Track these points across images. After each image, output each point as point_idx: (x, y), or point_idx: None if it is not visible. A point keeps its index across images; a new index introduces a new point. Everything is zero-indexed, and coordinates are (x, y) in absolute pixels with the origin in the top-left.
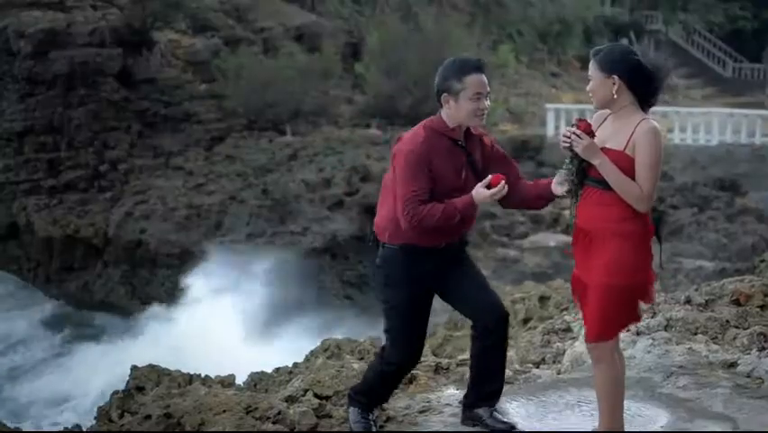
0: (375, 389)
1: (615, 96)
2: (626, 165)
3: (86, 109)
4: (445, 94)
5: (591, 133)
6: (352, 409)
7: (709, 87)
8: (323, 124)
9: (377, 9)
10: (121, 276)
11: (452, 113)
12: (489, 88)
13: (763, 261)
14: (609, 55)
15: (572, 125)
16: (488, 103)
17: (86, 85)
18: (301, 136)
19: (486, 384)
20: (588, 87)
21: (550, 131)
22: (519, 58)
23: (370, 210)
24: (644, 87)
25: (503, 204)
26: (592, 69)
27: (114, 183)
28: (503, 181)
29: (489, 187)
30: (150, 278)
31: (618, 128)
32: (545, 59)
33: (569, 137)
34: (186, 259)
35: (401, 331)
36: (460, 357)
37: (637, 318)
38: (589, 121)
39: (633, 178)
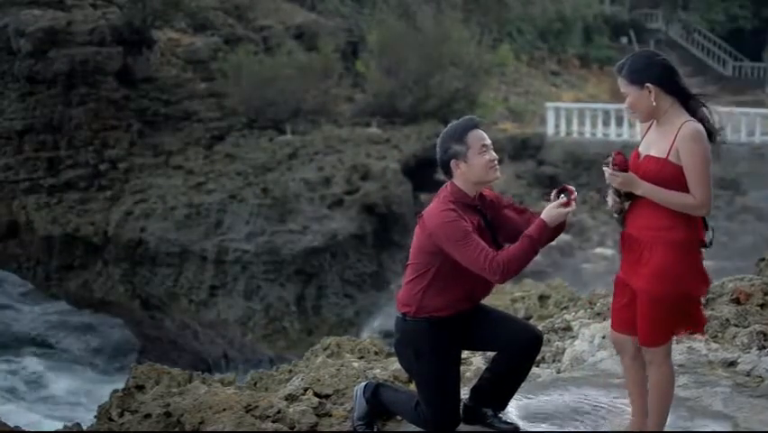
0: (397, 414)
1: (654, 105)
2: (671, 172)
3: (86, 108)
4: (453, 161)
5: (626, 167)
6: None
7: (709, 85)
8: (323, 123)
9: (376, 8)
10: (121, 275)
11: (467, 175)
12: (490, 141)
13: (762, 259)
14: (635, 65)
15: (608, 159)
16: (494, 154)
17: (86, 83)
18: (301, 135)
19: (502, 395)
20: (626, 105)
21: (550, 129)
22: (519, 56)
23: (369, 209)
24: (677, 84)
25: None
26: (623, 85)
27: (114, 182)
28: (574, 195)
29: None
30: (150, 277)
31: (661, 134)
32: (545, 57)
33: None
34: (186, 258)
35: (437, 395)
36: None
37: (696, 323)
38: (623, 154)
39: (680, 183)
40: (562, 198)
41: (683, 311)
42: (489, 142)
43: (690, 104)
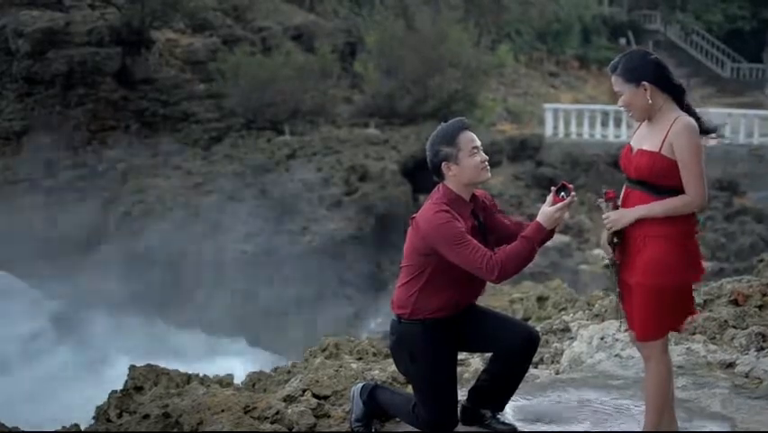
0: (394, 415)
1: (650, 102)
2: (663, 166)
3: (85, 109)
4: (444, 163)
5: (615, 200)
6: (358, 404)
7: (708, 86)
8: (321, 124)
9: (375, 9)
10: (120, 275)
11: (458, 177)
12: (479, 142)
13: (761, 260)
14: (630, 64)
15: (600, 200)
16: (484, 155)
17: (84, 84)
18: (299, 136)
19: (500, 396)
20: (620, 103)
21: (548, 130)
22: (518, 57)
23: (368, 209)
24: (671, 82)
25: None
26: (618, 83)
27: (113, 183)
28: (573, 194)
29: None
30: (149, 277)
31: (654, 129)
32: (544, 58)
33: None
34: (184, 259)
35: (434, 397)
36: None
37: (689, 314)
38: (614, 190)
39: (672, 177)
40: (560, 196)
41: (678, 302)
42: (479, 143)
43: (682, 100)
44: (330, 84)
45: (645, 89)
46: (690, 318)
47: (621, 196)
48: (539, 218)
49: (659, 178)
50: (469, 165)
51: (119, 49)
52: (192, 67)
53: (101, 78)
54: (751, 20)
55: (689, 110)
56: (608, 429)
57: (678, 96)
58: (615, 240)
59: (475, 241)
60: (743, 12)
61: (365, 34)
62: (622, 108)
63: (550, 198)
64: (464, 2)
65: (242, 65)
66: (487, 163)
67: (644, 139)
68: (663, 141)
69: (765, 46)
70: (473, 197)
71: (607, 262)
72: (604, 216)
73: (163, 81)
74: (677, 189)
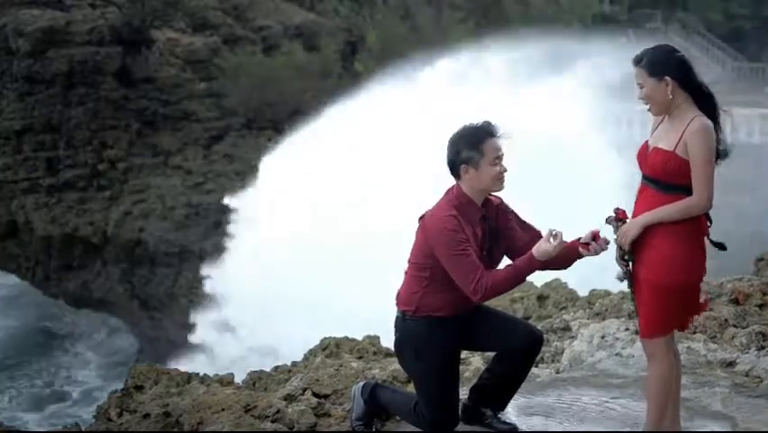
0: (396, 415)
1: (671, 98)
2: (677, 165)
3: (85, 108)
4: (463, 165)
5: (626, 220)
6: (358, 405)
7: (708, 85)
8: None
9: (375, 8)
10: (120, 275)
11: (474, 182)
12: (503, 151)
13: (761, 260)
14: (655, 57)
15: (612, 218)
16: (505, 166)
17: (85, 83)
18: None
19: (501, 395)
20: (640, 96)
21: None
22: None
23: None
24: (693, 81)
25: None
26: (641, 76)
27: (113, 182)
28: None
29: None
30: (149, 276)
31: (671, 128)
32: None
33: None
34: (185, 258)
35: (436, 395)
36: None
37: (694, 309)
38: (623, 210)
39: (685, 176)
40: (554, 234)
41: (684, 299)
42: (502, 153)
43: (702, 102)
44: (330, 83)
45: (667, 84)
46: (697, 315)
47: (636, 194)
48: (533, 250)
49: (671, 176)
50: (487, 173)
51: (119, 48)
52: (192, 66)
53: (101, 77)
54: (751, 19)
55: (708, 112)
56: (609, 429)
57: (698, 96)
58: (626, 257)
59: (473, 256)
60: (743, 10)
61: (366, 33)
62: (642, 100)
63: (548, 233)
64: (465, 1)
65: (243, 64)
66: (504, 175)
67: (661, 138)
68: (679, 140)
69: (766, 45)
70: (486, 202)
71: (621, 275)
72: (616, 235)
73: (164, 80)
74: (688, 188)
